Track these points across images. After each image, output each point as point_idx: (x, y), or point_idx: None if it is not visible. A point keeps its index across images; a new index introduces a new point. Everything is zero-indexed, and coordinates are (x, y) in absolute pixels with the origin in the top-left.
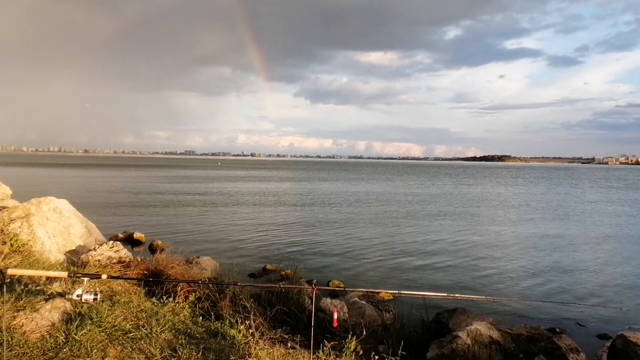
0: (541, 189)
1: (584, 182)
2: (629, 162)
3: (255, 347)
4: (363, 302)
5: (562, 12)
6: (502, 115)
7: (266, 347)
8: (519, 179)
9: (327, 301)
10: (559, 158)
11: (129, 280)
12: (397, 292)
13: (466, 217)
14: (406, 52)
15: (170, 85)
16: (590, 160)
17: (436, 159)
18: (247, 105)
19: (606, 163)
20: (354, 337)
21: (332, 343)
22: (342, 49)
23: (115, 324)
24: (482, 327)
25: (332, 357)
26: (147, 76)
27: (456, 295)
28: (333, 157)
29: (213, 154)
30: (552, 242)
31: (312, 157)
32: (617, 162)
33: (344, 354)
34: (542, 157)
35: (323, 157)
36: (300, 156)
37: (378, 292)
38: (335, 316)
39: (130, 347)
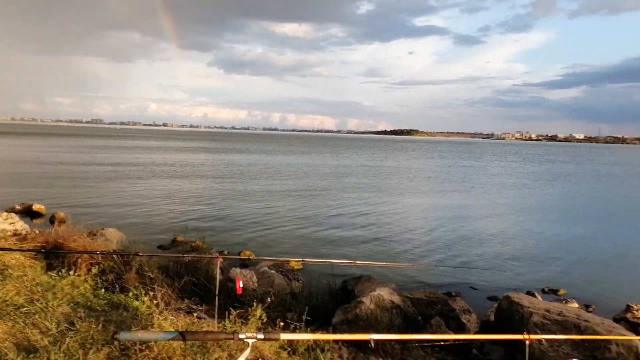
0: (448, 162)
1: (486, 156)
2: (524, 137)
3: (158, 318)
4: (273, 271)
5: None
6: (411, 90)
7: (170, 317)
8: (427, 153)
9: (236, 271)
10: (463, 133)
11: (24, 253)
12: (302, 259)
13: (377, 189)
14: (321, 24)
15: (74, 49)
16: (490, 136)
17: (349, 132)
18: (159, 73)
19: (503, 138)
20: (260, 305)
21: (238, 311)
22: (257, 19)
23: (6, 298)
24: (384, 293)
25: (237, 324)
26: (49, 38)
27: (357, 262)
28: (248, 128)
29: (122, 123)
30: (455, 212)
31: (226, 128)
32: (513, 138)
33: (249, 322)
34: (448, 132)
35: (238, 129)
36: (215, 127)
37: (288, 262)
38: (240, 285)
39: (23, 322)
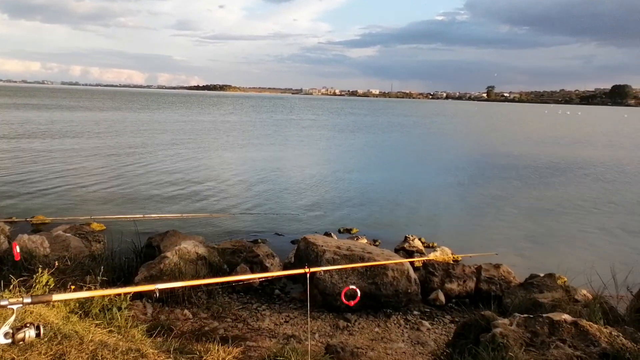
0: (262, 117)
1: (297, 111)
2: (329, 93)
3: None
4: (68, 234)
5: None
6: (223, 45)
7: None
8: (242, 108)
9: (24, 237)
10: (274, 88)
11: None
12: (92, 217)
13: (191, 144)
14: None
15: None
16: (299, 91)
17: (160, 87)
18: None
19: (311, 94)
20: (46, 271)
21: (20, 279)
22: None
23: None
24: (189, 246)
25: (18, 294)
26: None
27: (161, 215)
28: (43, 82)
29: None
30: (266, 164)
31: (15, 81)
32: (320, 93)
33: (34, 289)
34: (259, 87)
35: (30, 82)
36: (1, 80)
37: (87, 223)
38: (17, 250)
39: None
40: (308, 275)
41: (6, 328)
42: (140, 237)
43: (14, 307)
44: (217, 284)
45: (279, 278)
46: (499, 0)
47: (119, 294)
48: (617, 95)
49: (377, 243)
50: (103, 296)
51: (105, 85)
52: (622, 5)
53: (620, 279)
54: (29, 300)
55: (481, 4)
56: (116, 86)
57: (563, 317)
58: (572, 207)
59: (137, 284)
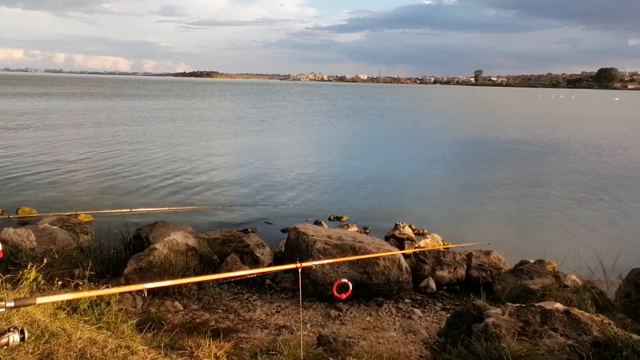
0: (251, 104)
1: (288, 96)
2: (317, 78)
3: None
4: (55, 227)
5: None
6: (209, 31)
7: None
8: (232, 95)
9: (9, 231)
10: (261, 75)
11: None
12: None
13: (181, 134)
14: None
15: None
16: (287, 77)
17: (146, 74)
18: None
19: (299, 79)
20: (34, 267)
21: (6, 276)
22: None
23: None
24: (179, 237)
25: (6, 292)
26: None
27: (152, 209)
28: (26, 70)
29: None
30: (257, 153)
31: None
32: (308, 79)
33: (21, 286)
34: (247, 74)
35: (13, 70)
36: None
37: (75, 215)
38: (0, 247)
39: None
40: (300, 270)
41: None
42: (128, 228)
43: None
44: (209, 280)
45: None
46: None
47: None
48: (604, 79)
49: (367, 231)
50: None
51: (90, 73)
52: None
53: (608, 263)
54: (11, 304)
55: None
56: (101, 73)
57: (555, 306)
58: (563, 191)
59: (125, 277)
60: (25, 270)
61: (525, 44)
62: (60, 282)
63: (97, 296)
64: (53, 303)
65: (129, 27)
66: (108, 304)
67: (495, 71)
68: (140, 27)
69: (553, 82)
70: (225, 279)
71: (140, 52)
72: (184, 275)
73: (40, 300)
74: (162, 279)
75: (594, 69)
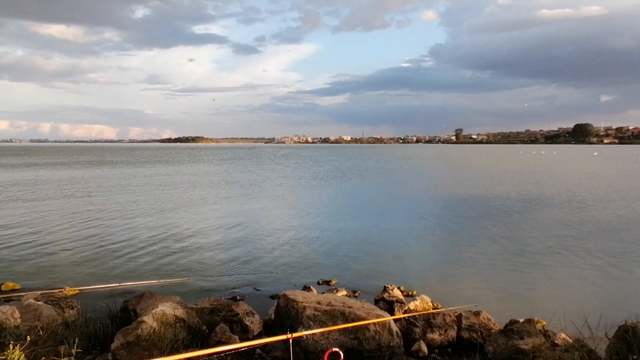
0: (239, 167)
1: (275, 160)
2: (301, 140)
3: None
4: (40, 302)
5: (242, 3)
6: (194, 97)
7: None
8: (215, 160)
9: None
10: (246, 138)
11: None
12: (63, 288)
13: (166, 201)
14: (92, 27)
15: None
16: (272, 140)
17: (131, 141)
18: None
19: (284, 142)
20: (17, 346)
21: None
22: (15, 18)
23: None
24: (167, 308)
25: None
26: None
27: (137, 282)
28: (10, 140)
29: None
30: (243, 218)
31: None
32: (292, 141)
33: None
34: (232, 138)
35: None
36: None
37: (60, 290)
38: None
39: None
40: (291, 341)
41: None
42: (115, 300)
43: None
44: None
45: (260, 336)
46: (461, 47)
47: None
48: (580, 134)
49: (356, 294)
50: None
51: (75, 142)
52: (577, 48)
53: (593, 320)
54: None
55: (444, 51)
56: (87, 142)
57: None
58: (549, 248)
59: (112, 352)
60: (8, 351)
61: (502, 102)
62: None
63: None
64: None
65: (114, 96)
66: None
67: (475, 129)
68: (126, 95)
69: (531, 138)
70: (216, 353)
71: (125, 120)
72: (172, 348)
73: None
74: (150, 353)
75: (569, 125)
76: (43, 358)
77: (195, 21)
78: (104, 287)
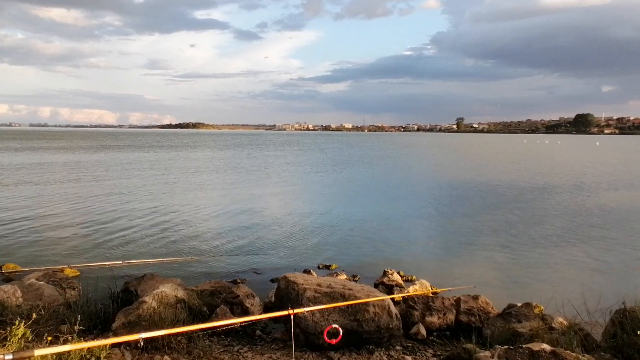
0: (239, 154)
1: (275, 146)
2: (302, 128)
3: None
4: (41, 282)
5: None
6: (195, 83)
7: None
8: (216, 146)
9: None
10: (247, 125)
11: None
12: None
13: (169, 184)
14: (93, 11)
15: None
16: (272, 127)
17: (131, 126)
18: None
19: (285, 129)
20: (22, 323)
21: None
22: (15, 0)
23: None
24: (168, 289)
25: None
26: None
27: (141, 260)
28: (10, 124)
29: None
30: (244, 202)
31: None
32: (293, 129)
33: (10, 342)
34: (233, 124)
35: None
36: None
37: (61, 270)
38: None
39: None
40: (292, 317)
41: None
42: (116, 282)
43: None
44: (199, 329)
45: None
46: (463, 35)
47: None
48: (581, 124)
49: (356, 278)
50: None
51: (75, 126)
52: (579, 38)
53: (592, 304)
54: (10, 357)
55: (446, 40)
56: (87, 126)
57: (542, 346)
58: (549, 233)
59: (114, 331)
60: (13, 327)
61: (504, 91)
62: (49, 338)
63: (87, 352)
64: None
65: (115, 81)
66: (98, 358)
67: (476, 118)
68: (127, 80)
69: (532, 127)
70: (218, 327)
71: (126, 105)
72: (174, 327)
73: (38, 352)
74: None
75: (571, 115)
76: (46, 335)
77: (197, 6)
78: (106, 265)
